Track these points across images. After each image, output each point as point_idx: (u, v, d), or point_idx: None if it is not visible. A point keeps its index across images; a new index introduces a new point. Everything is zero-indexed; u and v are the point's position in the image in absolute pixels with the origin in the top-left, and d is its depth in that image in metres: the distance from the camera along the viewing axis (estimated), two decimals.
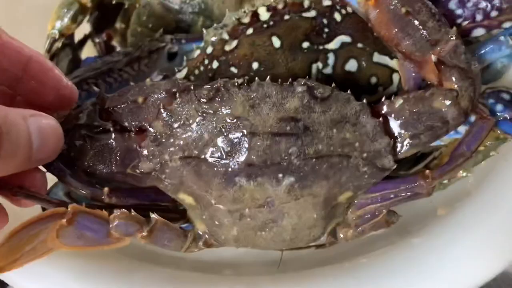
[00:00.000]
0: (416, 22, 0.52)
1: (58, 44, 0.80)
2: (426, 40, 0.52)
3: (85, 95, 0.67)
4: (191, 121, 0.50)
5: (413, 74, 0.55)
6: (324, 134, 0.49)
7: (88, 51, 0.89)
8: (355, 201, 0.54)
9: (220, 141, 0.50)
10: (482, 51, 0.60)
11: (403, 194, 0.53)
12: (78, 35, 0.87)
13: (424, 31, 0.52)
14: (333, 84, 0.51)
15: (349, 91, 0.51)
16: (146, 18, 0.79)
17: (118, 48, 0.87)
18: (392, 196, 0.53)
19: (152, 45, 0.69)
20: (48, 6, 0.82)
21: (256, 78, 0.51)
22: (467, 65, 0.51)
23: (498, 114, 0.57)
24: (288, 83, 0.50)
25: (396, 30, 0.53)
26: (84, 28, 0.87)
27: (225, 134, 0.50)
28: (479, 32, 0.61)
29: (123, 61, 0.68)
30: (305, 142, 0.49)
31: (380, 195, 0.54)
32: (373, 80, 0.59)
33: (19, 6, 0.87)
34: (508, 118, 0.56)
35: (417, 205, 0.58)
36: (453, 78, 0.50)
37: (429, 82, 0.52)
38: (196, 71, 0.61)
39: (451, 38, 0.51)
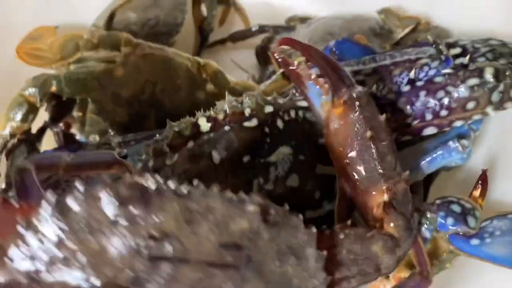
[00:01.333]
0: (376, 151, 0.49)
1: (13, 141, 0.79)
2: (379, 173, 0.49)
3: None
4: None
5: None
6: (267, 268, 0.46)
7: (49, 140, 0.88)
8: None
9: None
10: (433, 156, 0.57)
11: None
12: (37, 123, 0.86)
13: (381, 164, 0.49)
14: (286, 206, 0.47)
15: (300, 216, 0.47)
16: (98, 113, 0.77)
17: (78, 136, 0.86)
18: None
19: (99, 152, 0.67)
20: None
21: (201, 185, 0.46)
22: (411, 216, 0.49)
23: (450, 228, 0.54)
24: (237, 197, 0.44)
25: (351, 151, 0.50)
26: (43, 114, 0.86)
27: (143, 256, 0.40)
28: (430, 130, 0.59)
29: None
30: (245, 277, 0.45)
31: None
32: (317, 194, 0.56)
33: None
34: (459, 232, 0.53)
35: None
36: (397, 226, 0.48)
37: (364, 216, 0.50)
38: None
39: (403, 181, 0.49)
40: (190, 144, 0.58)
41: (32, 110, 0.76)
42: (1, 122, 0.76)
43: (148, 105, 0.75)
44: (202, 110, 0.61)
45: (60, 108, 0.86)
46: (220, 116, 0.58)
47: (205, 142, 0.58)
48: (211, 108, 0.60)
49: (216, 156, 0.57)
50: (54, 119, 0.86)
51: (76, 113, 0.84)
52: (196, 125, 0.59)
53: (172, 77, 0.75)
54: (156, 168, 0.58)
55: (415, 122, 0.58)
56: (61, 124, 0.86)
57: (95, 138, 0.79)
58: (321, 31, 0.83)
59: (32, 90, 0.75)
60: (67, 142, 0.86)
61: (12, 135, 0.76)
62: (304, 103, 0.59)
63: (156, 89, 0.74)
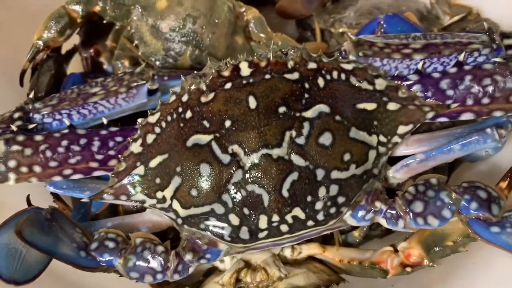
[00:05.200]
0: None
1: (43, 55, 0.79)
2: None
3: (56, 124, 0.65)
4: None
5: None
6: None
7: (75, 64, 0.87)
8: None
9: None
10: (467, 141, 0.57)
11: None
12: (67, 45, 0.85)
13: None
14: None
15: None
16: (135, 42, 0.77)
17: (106, 65, 0.85)
18: None
19: (132, 80, 0.67)
20: (37, 13, 0.80)
21: None
22: None
23: (472, 212, 0.54)
24: None
25: None
26: (75, 37, 0.85)
27: None
28: (468, 116, 0.59)
29: (100, 94, 0.65)
30: None
31: None
32: (347, 156, 0.56)
33: (7, 11, 0.84)
34: (480, 218, 0.53)
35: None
36: None
37: None
38: (169, 118, 0.59)
39: None
40: (228, 85, 0.57)
41: (71, 24, 0.76)
42: (38, 30, 0.76)
43: (186, 41, 0.74)
44: (237, 55, 0.60)
45: (93, 33, 0.85)
46: (262, 63, 0.58)
47: (243, 86, 0.57)
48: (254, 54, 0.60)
49: (252, 101, 0.56)
50: (84, 44, 0.86)
51: (109, 42, 0.83)
52: (236, 68, 0.58)
53: (213, 15, 0.74)
54: (189, 103, 0.58)
55: (455, 105, 0.58)
56: (91, 50, 0.85)
57: (123, 63, 0.79)
58: (369, 5, 0.82)
59: (76, 4, 0.75)
60: (95, 69, 0.86)
61: (45, 46, 0.75)
62: (348, 66, 0.59)
63: (197, 25, 0.73)
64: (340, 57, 0.61)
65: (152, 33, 0.75)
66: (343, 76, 0.58)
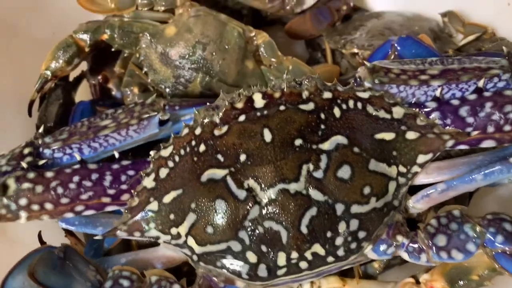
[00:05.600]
0: None
1: (51, 85, 0.78)
2: None
3: (67, 159, 0.64)
4: None
5: None
6: None
7: (83, 90, 0.86)
8: None
9: None
10: (490, 170, 0.55)
11: None
12: (74, 71, 0.84)
13: None
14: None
15: None
16: (144, 69, 0.76)
17: (114, 91, 0.84)
18: None
19: (143, 111, 0.65)
20: (45, 41, 0.79)
21: None
22: None
23: (497, 245, 0.52)
24: None
25: None
26: (82, 63, 0.84)
27: None
28: (489, 143, 0.57)
29: (111, 127, 0.64)
30: None
31: None
32: (367, 190, 0.55)
33: (13, 38, 0.84)
34: (507, 252, 0.52)
35: None
36: None
37: None
38: (182, 151, 0.58)
39: None
40: (242, 117, 0.56)
41: (79, 53, 0.75)
42: (46, 60, 0.75)
43: (195, 68, 0.73)
44: (248, 80, 0.59)
45: (101, 59, 0.84)
46: (276, 94, 0.56)
47: (257, 119, 0.56)
48: (268, 84, 0.58)
49: (267, 134, 0.55)
50: (92, 70, 0.85)
51: (117, 69, 0.82)
52: (250, 100, 0.57)
53: (223, 41, 0.73)
54: (202, 137, 0.57)
55: (475, 132, 0.56)
56: (99, 77, 0.84)
57: (132, 90, 0.78)
58: (380, 25, 0.81)
59: (84, 33, 0.74)
60: (103, 95, 0.85)
61: (53, 76, 0.75)
62: (365, 94, 0.57)
63: (206, 51, 0.72)
64: (355, 85, 0.59)
65: (161, 61, 0.74)
66: (359, 105, 0.57)
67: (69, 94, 0.82)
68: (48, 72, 0.74)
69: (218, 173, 0.55)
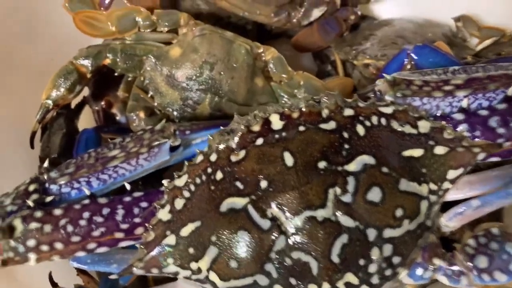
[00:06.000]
0: None
1: (52, 114, 0.75)
2: None
3: (75, 194, 0.60)
4: None
5: None
6: None
7: (86, 116, 0.83)
8: None
9: None
10: None
11: None
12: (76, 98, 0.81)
13: None
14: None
15: None
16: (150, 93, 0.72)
17: (119, 116, 0.81)
18: None
19: (153, 139, 0.62)
20: (44, 68, 0.76)
21: None
22: None
23: None
24: None
25: None
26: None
27: None
28: None
29: (120, 157, 0.61)
30: None
31: None
32: (399, 212, 0.51)
33: (10, 66, 0.80)
34: None
35: None
36: None
37: None
38: (198, 180, 0.54)
39: None
40: (259, 141, 0.53)
41: (80, 80, 0.71)
42: (46, 89, 0.71)
43: (204, 89, 0.69)
44: (258, 98, 0.55)
45: (103, 84, 0.81)
46: (295, 115, 0.53)
47: (276, 141, 0.53)
48: (279, 100, 0.55)
49: (288, 158, 0.51)
50: (95, 96, 0.81)
51: (121, 93, 0.79)
52: (267, 121, 0.53)
53: (231, 59, 0.69)
54: (218, 163, 0.54)
55: (508, 143, 0.53)
56: (102, 103, 0.81)
57: (138, 115, 0.74)
58: (392, 34, 0.78)
59: (85, 59, 0.71)
60: (107, 121, 0.82)
61: (54, 105, 0.71)
62: (388, 109, 0.54)
63: (214, 71, 0.69)
64: (376, 100, 0.56)
65: (167, 83, 0.71)
66: (383, 121, 0.54)
67: (72, 122, 0.79)
68: (50, 101, 0.71)
69: (238, 202, 0.52)
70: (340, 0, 0.83)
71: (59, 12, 0.74)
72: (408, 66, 0.67)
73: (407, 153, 0.53)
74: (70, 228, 0.56)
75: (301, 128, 0.53)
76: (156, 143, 0.62)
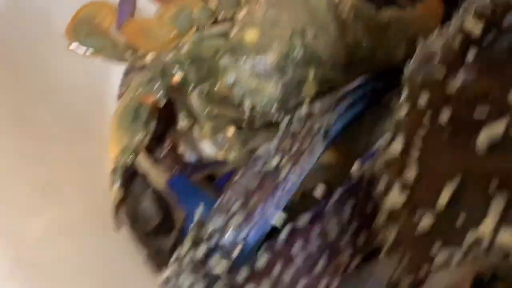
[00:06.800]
0: None
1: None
2: None
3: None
4: None
5: None
6: None
7: None
8: None
9: None
10: None
11: None
12: None
13: None
14: None
15: None
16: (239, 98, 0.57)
17: (188, 153, 0.63)
18: None
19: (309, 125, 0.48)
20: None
21: None
22: None
23: None
24: None
25: None
26: None
27: None
28: None
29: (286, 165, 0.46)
30: None
31: None
32: None
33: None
34: None
35: None
36: None
37: None
38: None
39: None
40: None
41: (152, 113, 0.55)
42: (113, 140, 0.54)
43: (303, 64, 0.56)
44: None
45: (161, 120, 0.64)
46: None
47: None
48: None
49: None
50: (158, 139, 0.64)
51: (183, 123, 0.62)
52: None
53: (317, 17, 0.58)
54: None
55: None
56: (165, 144, 0.64)
57: (227, 134, 0.59)
58: None
59: (151, 85, 0.54)
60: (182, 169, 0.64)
61: (135, 155, 0.54)
62: None
63: (307, 38, 0.57)
64: None
65: (257, 76, 0.56)
66: None
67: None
68: (126, 155, 0.53)
69: None
70: None
71: None
72: None
73: None
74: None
75: None
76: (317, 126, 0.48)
